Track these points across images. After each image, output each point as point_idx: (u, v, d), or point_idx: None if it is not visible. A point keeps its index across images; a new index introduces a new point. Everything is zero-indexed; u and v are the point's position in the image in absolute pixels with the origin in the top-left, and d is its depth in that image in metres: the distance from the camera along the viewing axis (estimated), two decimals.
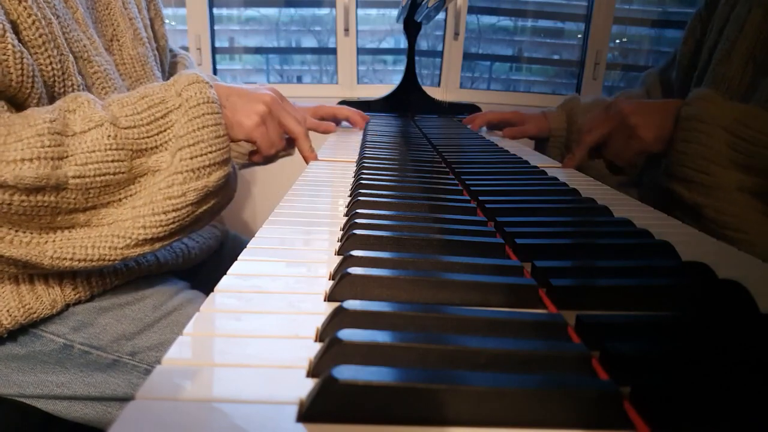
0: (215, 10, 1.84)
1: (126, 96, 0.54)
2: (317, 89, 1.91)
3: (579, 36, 1.88)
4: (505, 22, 2.01)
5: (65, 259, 0.49)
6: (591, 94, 1.69)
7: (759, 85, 0.75)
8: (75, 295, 0.58)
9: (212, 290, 0.31)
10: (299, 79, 2.10)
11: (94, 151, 0.48)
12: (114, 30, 0.67)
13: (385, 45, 2.01)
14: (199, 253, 0.73)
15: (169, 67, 0.86)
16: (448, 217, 0.43)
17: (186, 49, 1.77)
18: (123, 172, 0.50)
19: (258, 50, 2.04)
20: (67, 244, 0.49)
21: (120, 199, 0.51)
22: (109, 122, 0.49)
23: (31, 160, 0.44)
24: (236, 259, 0.36)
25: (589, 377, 0.23)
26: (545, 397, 0.20)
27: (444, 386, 0.20)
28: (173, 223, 0.52)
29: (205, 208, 0.55)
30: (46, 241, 0.49)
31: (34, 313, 0.56)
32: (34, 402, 0.60)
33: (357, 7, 1.75)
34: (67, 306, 0.58)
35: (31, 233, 0.48)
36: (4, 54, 0.47)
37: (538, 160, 0.80)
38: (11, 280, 0.55)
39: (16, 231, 0.47)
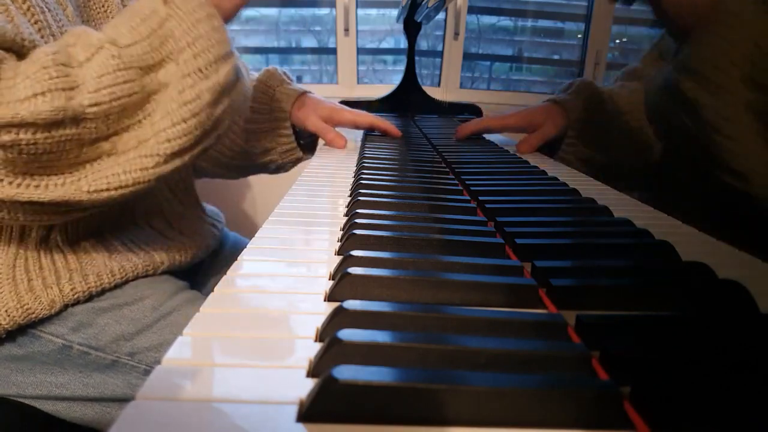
0: None
1: (116, 18, 0.53)
2: (317, 89, 1.90)
3: (579, 36, 1.88)
4: (505, 22, 2.01)
5: (102, 190, 0.49)
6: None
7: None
8: (73, 295, 0.57)
9: (212, 290, 0.31)
10: (299, 79, 2.10)
11: (102, 75, 0.48)
12: None
13: (385, 45, 2.01)
14: (199, 253, 0.73)
15: None
16: (448, 217, 0.43)
17: None
18: (136, 92, 0.49)
19: (258, 50, 2.04)
20: (99, 176, 0.49)
21: (139, 121, 0.51)
22: (108, 43, 0.49)
23: (43, 93, 0.44)
24: (236, 259, 0.36)
25: (589, 377, 0.23)
26: (545, 397, 0.20)
27: (444, 386, 0.20)
28: (195, 129, 0.52)
29: (222, 107, 0.54)
30: (79, 178, 0.49)
31: (33, 313, 0.56)
32: (33, 402, 0.60)
33: (357, 7, 1.75)
34: (66, 306, 0.58)
35: (63, 174, 0.48)
36: (8, 15, 0.48)
37: (538, 159, 0.80)
38: (9, 280, 0.55)
39: (49, 176, 0.47)
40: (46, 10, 0.54)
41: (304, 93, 0.85)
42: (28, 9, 0.51)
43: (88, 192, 0.49)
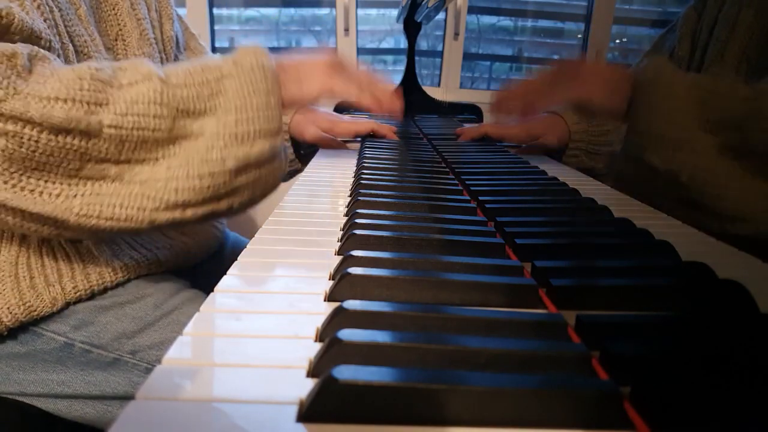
0: (215, 10, 1.84)
1: (182, 62, 0.53)
2: None
3: (579, 36, 1.88)
4: (505, 22, 2.01)
5: (92, 216, 0.48)
6: None
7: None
8: (75, 293, 0.58)
9: (212, 290, 0.31)
10: None
11: (136, 102, 0.47)
12: (120, 30, 0.68)
13: (385, 45, 2.01)
14: (199, 253, 0.73)
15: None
16: (448, 217, 0.43)
17: None
18: (162, 130, 0.48)
19: None
20: (95, 201, 0.48)
21: (157, 158, 0.49)
22: (158, 77, 0.48)
23: (65, 100, 0.44)
24: (236, 259, 0.36)
25: (589, 377, 0.23)
26: (545, 397, 0.20)
27: (444, 386, 0.20)
28: (208, 188, 0.50)
29: (243, 179, 0.52)
30: (75, 195, 0.47)
31: (35, 310, 0.56)
32: (34, 401, 0.60)
33: (357, 7, 1.75)
34: (68, 304, 0.58)
35: (61, 184, 0.47)
36: (23, 7, 0.48)
37: (538, 159, 0.80)
38: (12, 277, 0.56)
39: (46, 181, 0.46)
40: (55, 9, 0.54)
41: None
42: (38, 7, 0.51)
43: (77, 215, 0.47)
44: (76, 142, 0.45)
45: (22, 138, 0.44)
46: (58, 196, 0.46)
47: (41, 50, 0.47)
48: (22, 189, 0.45)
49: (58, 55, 0.51)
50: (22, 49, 0.45)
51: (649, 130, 0.61)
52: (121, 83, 0.48)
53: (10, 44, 0.44)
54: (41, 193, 0.46)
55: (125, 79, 0.48)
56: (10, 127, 0.43)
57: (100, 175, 0.48)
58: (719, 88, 0.58)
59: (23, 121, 0.43)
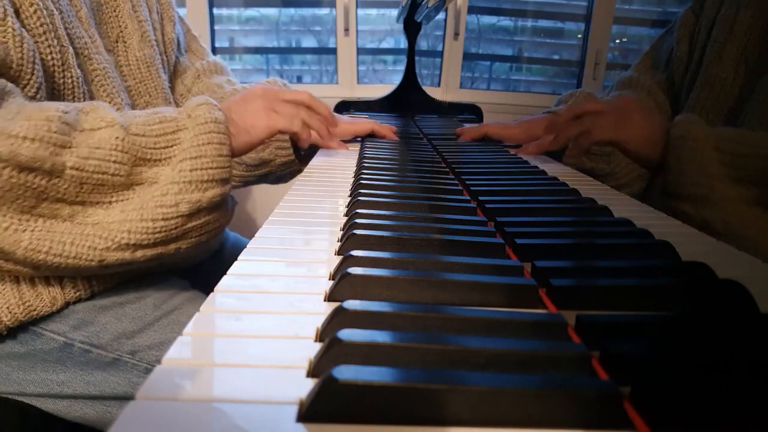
0: (215, 10, 1.84)
1: (140, 111, 0.55)
2: (317, 89, 1.91)
3: (579, 36, 1.88)
4: (505, 22, 2.01)
5: (40, 251, 0.48)
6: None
7: (755, 85, 0.75)
8: (75, 293, 0.58)
9: (212, 290, 0.31)
10: (299, 79, 2.10)
11: (98, 148, 0.48)
12: (121, 32, 0.68)
13: (385, 45, 2.01)
14: (200, 253, 0.73)
15: (183, 71, 0.87)
16: (448, 217, 0.43)
17: None
18: (121, 175, 0.50)
19: (258, 50, 2.04)
20: (45, 236, 0.48)
21: (110, 202, 0.51)
22: (120, 125, 0.50)
23: (32, 140, 0.44)
24: (236, 259, 0.36)
25: (589, 377, 0.23)
26: (545, 397, 0.20)
27: (444, 386, 0.20)
28: (159, 232, 0.52)
29: (195, 223, 0.55)
30: (24, 229, 0.47)
31: (34, 310, 0.56)
32: (34, 401, 0.60)
33: (357, 7, 1.75)
34: (67, 304, 0.58)
35: (11, 217, 0.46)
36: (4, 36, 0.48)
37: (538, 159, 0.80)
38: (12, 277, 0.56)
39: None
40: (55, 11, 0.55)
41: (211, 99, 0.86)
42: (35, 12, 0.52)
43: (25, 249, 0.47)
44: (37, 180, 0.46)
45: None
46: (6, 229, 0.46)
47: (9, 84, 0.48)
48: None
49: (28, 80, 0.52)
50: None
51: (678, 184, 0.64)
52: (84, 128, 0.49)
53: None
54: None
55: (88, 124, 0.49)
56: None
57: (53, 214, 0.49)
58: (743, 146, 0.60)
59: None
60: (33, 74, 0.51)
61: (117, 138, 0.49)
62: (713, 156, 0.61)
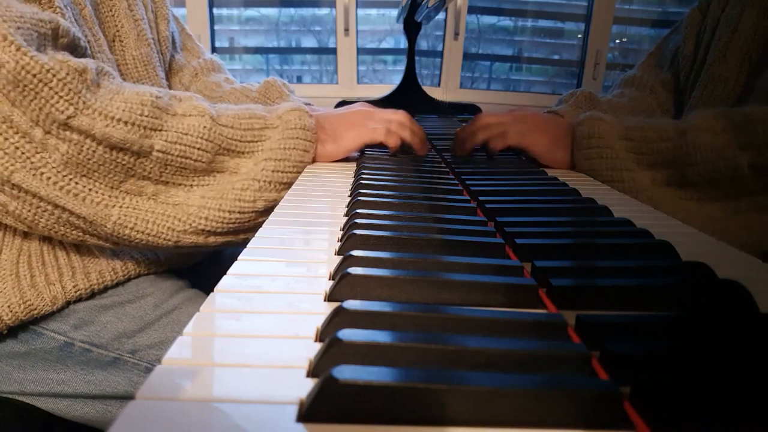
0: (215, 10, 1.84)
1: (232, 105, 0.59)
2: (317, 89, 1.91)
3: (579, 36, 1.88)
4: (505, 22, 2.01)
5: (126, 227, 0.52)
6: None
7: (755, 84, 0.75)
8: (75, 292, 0.58)
9: (212, 290, 0.31)
10: (299, 79, 2.10)
11: (186, 134, 0.52)
12: (117, 31, 0.68)
13: (385, 45, 2.01)
14: (200, 253, 0.73)
15: (180, 69, 0.88)
16: (448, 217, 0.43)
17: None
18: (203, 162, 0.54)
19: (258, 50, 2.04)
20: (131, 213, 0.52)
21: (191, 185, 0.55)
22: (209, 116, 0.54)
23: (126, 122, 0.49)
24: (236, 259, 0.36)
25: (589, 377, 0.23)
26: (545, 397, 0.20)
27: (444, 386, 0.20)
28: (234, 223, 0.56)
29: (264, 218, 0.56)
30: (114, 205, 0.51)
31: (35, 309, 0.56)
32: (34, 400, 0.61)
33: (357, 7, 1.75)
34: (68, 303, 0.58)
35: (102, 192, 0.51)
36: (63, 16, 0.52)
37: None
38: (13, 275, 0.56)
39: (90, 189, 0.50)
40: (65, 8, 0.55)
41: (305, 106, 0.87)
42: (55, 11, 0.52)
43: (114, 222, 0.52)
44: (126, 158, 0.50)
45: (81, 147, 0.48)
46: (98, 203, 0.51)
47: (105, 66, 0.51)
48: (68, 192, 0.49)
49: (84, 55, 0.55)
50: (91, 65, 0.49)
51: (595, 180, 0.68)
52: (176, 112, 0.53)
53: (82, 60, 0.48)
54: (84, 198, 0.50)
55: (180, 109, 0.53)
56: (74, 136, 0.48)
57: (139, 191, 0.53)
58: (648, 134, 0.64)
59: (86, 135, 0.48)
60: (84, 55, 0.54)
61: (204, 127, 0.53)
62: (622, 146, 0.65)
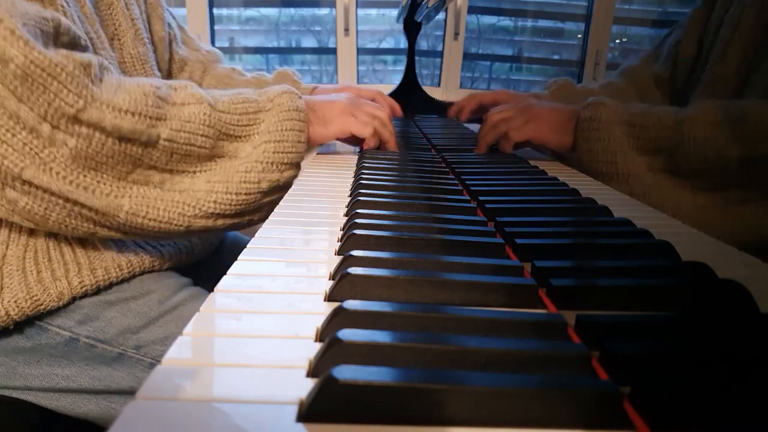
0: (215, 10, 1.84)
1: (223, 91, 0.60)
2: None
3: (579, 36, 1.88)
4: (505, 22, 2.01)
5: (138, 215, 0.53)
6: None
7: (755, 83, 0.75)
8: (81, 288, 0.58)
9: (213, 289, 0.31)
10: None
11: (189, 122, 0.54)
12: (115, 29, 0.69)
13: (385, 45, 2.01)
14: (202, 250, 0.74)
15: (185, 63, 0.89)
16: (448, 217, 0.43)
17: None
18: (206, 148, 0.56)
19: (258, 50, 2.04)
20: (142, 202, 0.54)
21: (194, 172, 0.57)
22: (207, 103, 0.56)
23: (133, 113, 0.49)
24: (236, 259, 0.36)
25: (589, 377, 0.23)
26: (545, 397, 0.20)
27: (444, 386, 0.20)
28: (240, 204, 0.58)
29: (268, 199, 0.61)
30: (123, 195, 0.53)
31: (41, 304, 0.56)
32: (39, 395, 0.61)
33: (357, 7, 1.75)
34: (74, 299, 0.59)
35: (111, 184, 0.52)
36: (64, 13, 0.53)
37: (538, 159, 0.80)
38: (20, 271, 0.56)
39: (98, 182, 0.51)
40: (67, 5, 0.55)
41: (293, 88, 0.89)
42: (56, 9, 0.52)
43: (126, 212, 0.53)
44: (134, 148, 0.51)
45: (91, 140, 0.49)
46: (108, 195, 0.52)
47: (104, 60, 0.52)
48: (78, 186, 0.50)
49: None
50: (94, 59, 0.49)
51: (588, 162, 0.70)
52: (176, 101, 0.54)
53: (86, 54, 0.49)
54: (93, 191, 0.51)
55: (179, 98, 0.54)
56: (84, 130, 0.48)
57: (146, 180, 0.54)
58: (648, 121, 0.66)
59: (97, 129, 0.48)
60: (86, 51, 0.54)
61: (205, 114, 0.55)
62: (622, 130, 0.67)
